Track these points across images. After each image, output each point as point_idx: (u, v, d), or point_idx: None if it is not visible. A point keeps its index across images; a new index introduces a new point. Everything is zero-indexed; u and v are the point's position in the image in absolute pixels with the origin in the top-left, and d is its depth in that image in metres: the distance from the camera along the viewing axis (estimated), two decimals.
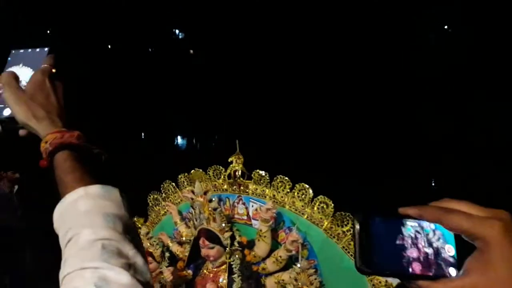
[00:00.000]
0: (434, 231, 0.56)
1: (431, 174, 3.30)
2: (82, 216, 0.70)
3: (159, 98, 4.15)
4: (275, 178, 2.91)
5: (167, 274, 2.71)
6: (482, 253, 0.52)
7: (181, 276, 2.91)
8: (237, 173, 2.99)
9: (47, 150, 0.80)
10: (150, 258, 3.14)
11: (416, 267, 0.54)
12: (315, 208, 2.78)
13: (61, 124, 0.83)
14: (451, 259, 0.55)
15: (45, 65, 0.89)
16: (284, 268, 2.76)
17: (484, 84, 3.43)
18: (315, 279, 2.60)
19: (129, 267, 0.66)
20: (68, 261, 0.67)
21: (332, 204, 2.74)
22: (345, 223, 2.72)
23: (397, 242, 0.55)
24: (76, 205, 0.72)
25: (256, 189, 2.99)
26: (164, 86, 4.15)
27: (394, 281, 2.62)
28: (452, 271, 0.55)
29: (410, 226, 0.56)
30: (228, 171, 3.02)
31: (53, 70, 0.88)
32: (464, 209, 0.55)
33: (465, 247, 0.55)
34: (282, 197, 2.89)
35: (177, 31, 4.42)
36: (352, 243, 2.69)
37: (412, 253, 0.55)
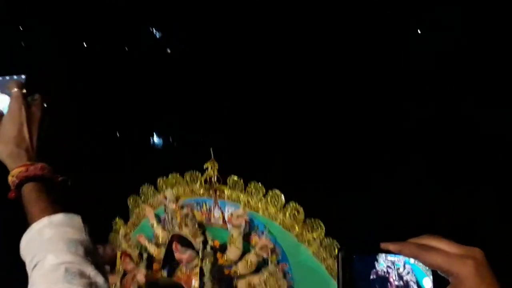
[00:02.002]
0: (404, 265, 0.61)
1: (399, 185, 3.37)
2: (47, 243, 0.78)
3: (135, 96, 4.22)
4: (249, 184, 2.99)
5: (140, 277, 2.80)
6: None
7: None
8: (212, 179, 3.06)
9: (14, 183, 0.88)
10: (128, 259, 3.23)
11: None
12: (287, 214, 2.86)
13: (26, 158, 0.90)
14: None
15: (15, 90, 0.94)
16: (255, 271, 2.84)
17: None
18: (284, 283, 2.68)
19: (90, 286, 0.73)
20: (35, 284, 0.74)
21: (303, 211, 2.83)
22: (315, 229, 2.80)
23: (373, 276, 0.60)
24: (41, 234, 0.79)
25: (231, 194, 3.06)
26: (140, 85, 4.20)
27: None
28: None
29: (382, 262, 0.61)
30: (204, 176, 3.10)
31: (24, 91, 0.94)
32: (441, 246, 0.59)
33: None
34: (255, 202, 2.97)
35: (153, 30, 4.43)
36: (321, 248, 2.78)
37: (384, 286, 0.60)
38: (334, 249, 2.73)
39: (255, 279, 2.79)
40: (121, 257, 3.35)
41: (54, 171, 0.93)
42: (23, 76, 0.99)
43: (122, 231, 3.39)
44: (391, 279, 0.60)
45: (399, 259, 0.61)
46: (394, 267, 0.61)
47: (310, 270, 2.82)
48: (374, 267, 0.61)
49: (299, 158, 3.56)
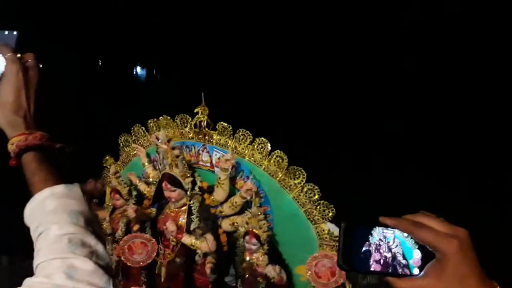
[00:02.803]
0: (394, 239, 0.70)
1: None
2: (50, 214, 0.84)
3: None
4: (237, 131, 3.11)
5: (130, 211, 2.96)
6: (440, 263, 0.65)
7: (146, 214, 3.17)
8: (202, 124, 3.17)
9: (14, 151, 0.90)
10: (117, 196, 3.38)
11: (377, 267, 0.69)
12: (272, 161, 3.02)
13: (24, 126, 0.91)
14: (404, 261, 0.70)
15: (10, 54, 0.92)
16: (239, 212, 3.04)
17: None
18: (264, 223, 2.89)
19: (92, 254, 0.81)
20: (41, 252, 0.81)
21: (287, 159, 2.98)
22: (297, 176, 2.97)
23: (366, 247, 0.70)
24: (44, 205, 0.85)
25: (220, 139, 3.18)
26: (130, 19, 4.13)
27: (336, 230, 2.94)
28: (416, 271, 0.69)
29: (376, 235, 0.70)
30: (194, 120, 3.19)
31: (18, 55, 0.92)
32: (432, 224, 0.66)
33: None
34: (243, 148, 3.11)
35: None
36: (301, 194, 2.97)
37: (375, 256, 0.69)
38: (314, 195, 2.92)
39: (238, 219, 2.99)
40: (110, 193, 3.49)
41: (52, 139, 0.95)
42: (14, 33, 0.95)
43: (112, 169, 3.51)
44: (381, 250, 0.69)
45: (390, 234, 0.70)
46: (385, 240, 0.70)
47: (289, 214, 3.02)
48: (368, 239, 0.69)
49: (287, 108, 3.67)
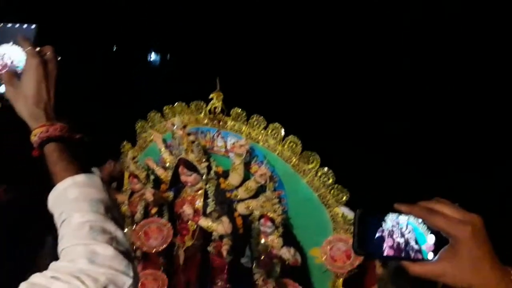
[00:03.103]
0: (406, 226, 0.73)
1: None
2: (72, 202, 0.89)
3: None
4: (251, 116, 3.14)
5: (148, 195, 3.04)
6: (453, 248, 0.67)
7: (163, 197, 3.25)
8: (216, 109, 3.21)
9: (36, 142, 0.95)
10: (135, 180, 3.48)
11: (391, 252, 0.72)
12: (286, 146, 3.05)
13: (45, 118, 0.96)
14: (417, 247, 0.72)
15: (29, 48, 0.96)
16: (254, 196, 3.10)
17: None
18: (278, 207, 2.94)
19: (112, 240, 0.86)
20: (65, 238, 0.87)
21: (301, 144, 3.02)
22: (311, 161, 3.01)
23: (380, 233, 0.73)
24: (66, 193, 0.90)
25: (234, 125, 3.23)
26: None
27: (350, 213, 2.98)
28: (430, 256, 0.71)
29: (389, 221, 0.73)
30: (209, 106, 3.24)
31: (37, 49, 0.97)
32: (446, 210, 0.68)
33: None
34: (257, 134, 3.15)
35: None
36: (315, 178, 3.01)
37: (388, 242, 0.73)
38: (328, 179, 2.95)
39: (253, 203, 3.05)
40: (129, 178, 3.59)
41: (72, 129, 1.00)
42: (33, 26, 0.99)
43: (130, 154, 3.60)
44: (394, 236, 0.72)
45: (404, 220, 0.73)
46: (398, 226, 0.73)
47: (303, 198, 3.06)
48: (381, 225, 0.72)
49: (301, 94, 3.68)
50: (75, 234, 0.85)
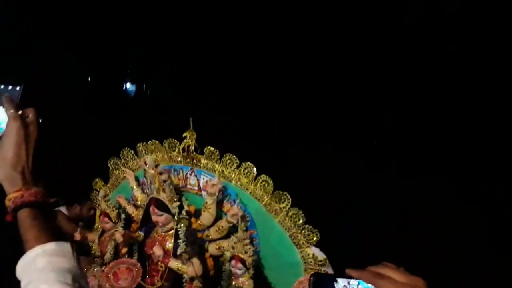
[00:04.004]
0: (357, 286, 0.79)
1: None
2: (40, 273, 0.90)
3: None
4: (224, 155, 3.16)
5: (118, 235, 2.99)
6: None
7: (133, 237, 3.20)
8: (190, 148, 3.22)
9: (10, 207, 0.96)
10: (106, 219, 3.41)
11: None
12: (258, 185, 3.07)
13: (21, 182, 0.97)
14: None
15: (11, 111, 0.98)
16: (225, 236, 3.07)
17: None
18: (250, 248, 2.92)
19: None
20: None
21: (272, 183, 3.04)
22: (282, 200, 3.02)
23: None
24: (35, 262, 0.90)
25: (207, 163, 3.24)
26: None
27: (320, 254, 2.98)
28: None
29: (340, 283, 0.78)
30: (182, 145, 3.25)
31: (19, 112, 0.98)
32: (392, 275, 0.74)
33: None
34: (229, 172, 3.16)
35: None
36: (287, 218, 3.01)
37: None
38: (299, 220, 2.96)
39: (225, 244, 3.03)
40: (100, 216, 3.52)
41: (47, 195, 1.00)
42: (17, 88, 1.02)
43: (101, 192, 3.55)
44: None
45: (354, 281, 0.78)
46: (350, 286, 0.78)
47: (275, 237, 3.05)
48: (334, 286, 0.78)
49: (273, 134, 3.74)
50: None
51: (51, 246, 0.92)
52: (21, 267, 0.92)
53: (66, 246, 0.95)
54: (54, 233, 0.96)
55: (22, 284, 0.91)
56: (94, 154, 4.01)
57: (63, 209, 3.97)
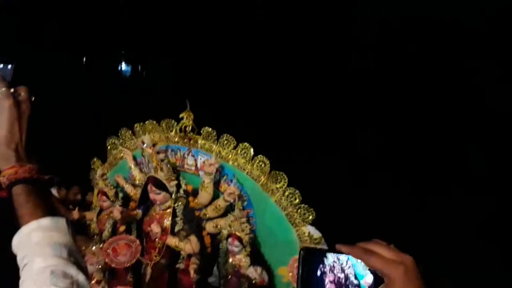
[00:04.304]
0: (347, 261, 0.79)
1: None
2: (35, 246, 0.90)
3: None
4: (221, 136, 3.19)
5: (116, 213, 3.02)
6: (387, 286, 0.72)
7: (131, 215, 3.24)
8: (187, 128, 3.24)
9: (5, 184, 0.95)
10: (104, 197, 3.45)
11: (332, 287, 0.77)
12: (255, 166, 3.11)
13: (15, 159, 0.97)
14: (356, 281, 0.78)
15: (3, 89, 0.98)
16: (222, 215, 3.12)
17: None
18: (246, 226, 2.98)
19: (72, 285, 0.87)
20: (25, 283, 0.87)
21: (269, 163, 3.08)
22: (279, 180, 3.06)
23: (323, 270, 0.78)
24: (30, 237, 0.90)
25: (205, 144, 3.26)
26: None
27: (316, 232, 3.04)
28: None
29: (330, 258, 0.79)
30: (180, 125, 3.27)
31: (11, 90, 0.98)
32: (381, 251, 0.73)
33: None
34: (226, 153, 3.19)
35: None
36: (283, 198, 3.06)
37: (330, 277, 0.78)
38: (295, 199, 3.01)
39: (222, 222, 3.08)
40: (98, 195, 3.56)
41: (41, 170, 1.00)
42: (9, 66, 1.01)
43: (99, 171, 3.57)
44: (335, 271, 0.78)
45: (344, 257, 0.78)
46: (339, 262, 0.79)
47: (272, 216, 3.11)
48: (323, 261, 0.78)
49: (270, 114, 3.76)
50: (36, 279, 0.86)
51: (46, 220, 0.93)
52: (16, 241, 0.93)
53: (62, 221, 0.95)
54: (49, 209, 0.96)
55: (18, 258, 0.92)
56: (89, 133, 4.02)
57: (54, 191, 4.01)
